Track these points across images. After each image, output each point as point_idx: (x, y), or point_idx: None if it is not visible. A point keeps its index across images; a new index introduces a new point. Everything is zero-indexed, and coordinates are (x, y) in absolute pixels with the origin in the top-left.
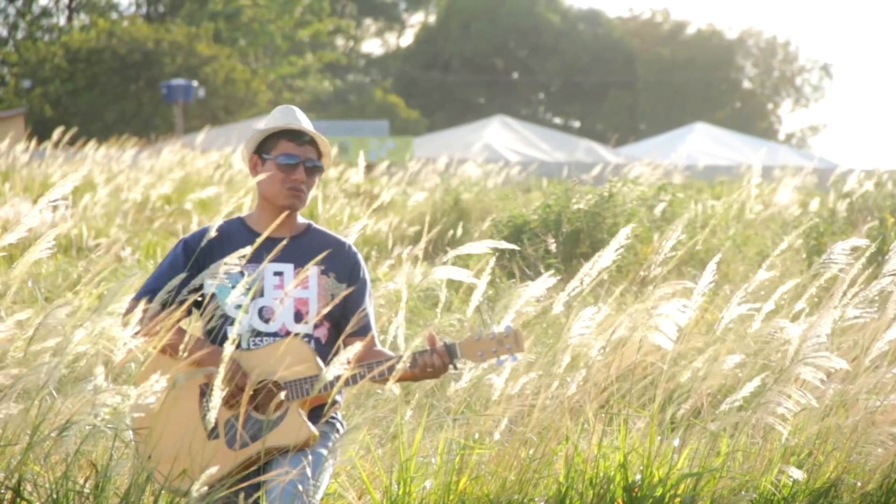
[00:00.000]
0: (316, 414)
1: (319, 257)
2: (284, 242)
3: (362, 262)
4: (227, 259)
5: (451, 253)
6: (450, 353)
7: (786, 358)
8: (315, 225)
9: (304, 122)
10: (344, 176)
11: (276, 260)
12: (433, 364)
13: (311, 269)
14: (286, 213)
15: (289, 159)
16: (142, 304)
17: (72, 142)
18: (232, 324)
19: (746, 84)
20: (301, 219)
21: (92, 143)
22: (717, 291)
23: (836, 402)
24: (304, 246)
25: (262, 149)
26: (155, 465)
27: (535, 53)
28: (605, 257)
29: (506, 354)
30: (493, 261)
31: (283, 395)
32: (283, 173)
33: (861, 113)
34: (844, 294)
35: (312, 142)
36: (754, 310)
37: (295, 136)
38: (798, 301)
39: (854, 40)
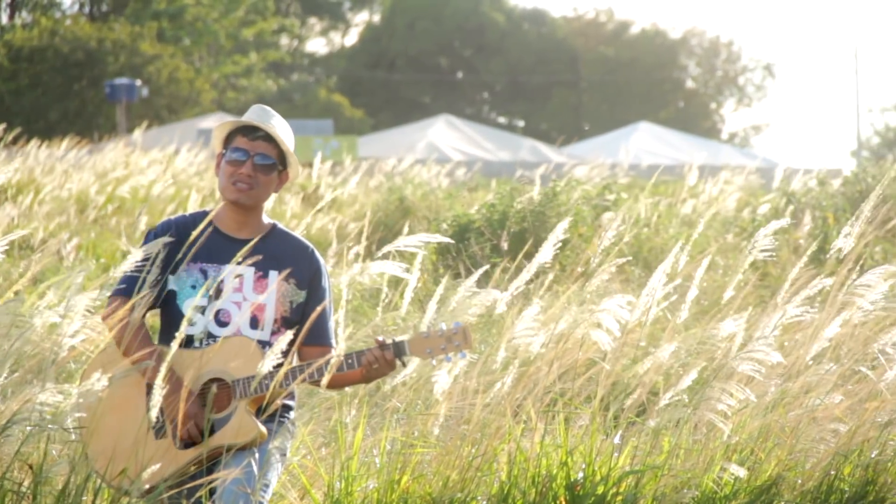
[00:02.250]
0: (266, 413)
1: (285, 273)
2: (250, 246)
3: (324, 269)
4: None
5: (386, 248)
6: (397, 351)
7: (727, 355)
8: (280, 226)
9: (271, 122)
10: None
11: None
12: (379, 361)
13: (271, 274)
14: (251, 211)
15: (235, 153)
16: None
17: (14, 141)
18: (191, 324)
19: (690, 83)
20: (267, 218)
21: (34, 143)
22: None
23: (777, 399)
24: (265, 249)
25: (224, 146)
26: (94, 463)
27: (479, 53)
28: (545, 253)
29: (454, 352)
30: (436, 259)
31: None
32: (231, 167)
33: (803, 112)
34: (787, 292)
35: (271, 140)
36: (703, 310)
37: (248, 131)
38: (726, 290)
39: (796, 39)
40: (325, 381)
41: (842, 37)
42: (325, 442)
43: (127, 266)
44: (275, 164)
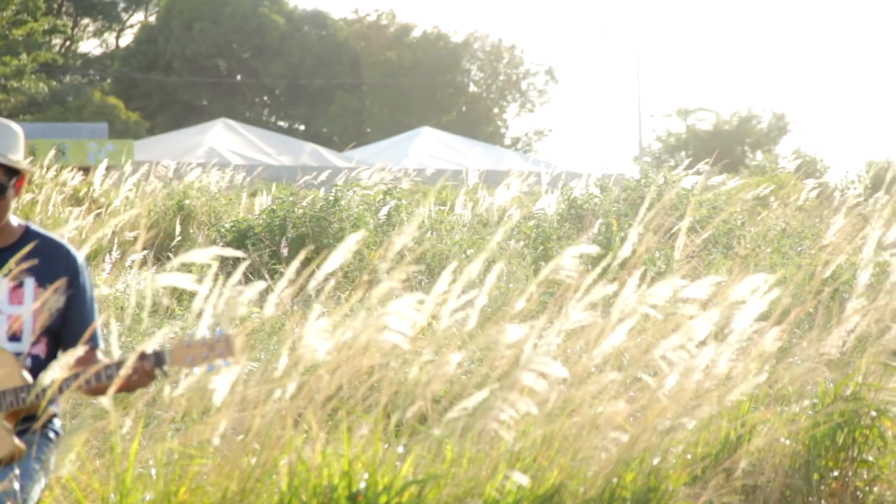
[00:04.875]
0: (29, 425)
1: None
2: None
3: (84, 267)
4: None
5: (176, 260)
6: (157, 360)
7: (511, 363)
8: (33, 227)
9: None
10: (61, 179)
11: None
12: (138, 372)
13: (27, 282)
14: None
15: None
16: None
17: None
18: None
19: (472, 88)
20: (16, 220)
21: None
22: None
23: (560, 406)
24: (17, 255)
25: None
26: None
27: (259, 55)
28: (331, 262)
29: (217, 360)
30: (215, 266)
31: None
32: None
33: (586, 117)
34: (571, 299)
35: None
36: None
37: None
38: (513, 299)
39: (578, 44)
40: (113, 389)
41: (624, 42)
42: (99, 453)
43: None
44: (4, 186)
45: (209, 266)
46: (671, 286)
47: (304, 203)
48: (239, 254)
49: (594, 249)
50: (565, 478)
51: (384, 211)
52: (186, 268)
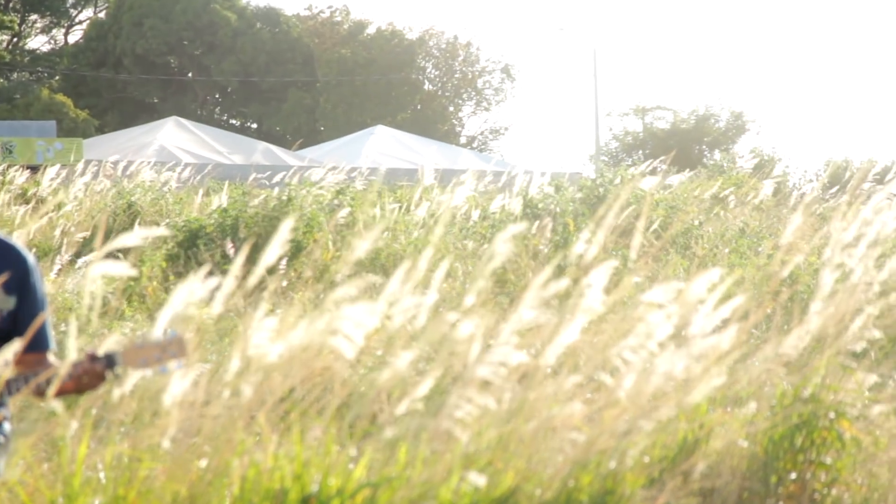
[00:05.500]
0: None
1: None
2: None
3: (34, 268)
4: None
5: (106, 248)
6: (109, 363)
7: (464, 359)
8: None
9: None
10: (8, 178)
11: None
12: (89, 374)
13: None
14: None
15: None
16: None
17: None
18: None
19: (428, 86)
20: None
21: None
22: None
23: (516, 407)
24: None
25: None
26: None
27: (210, 52)
28: (272, 252)
29: (170, 361)
30: (166, 266)
31: None
32: None
33: (542, 116)
34: (526, 297)
35: None
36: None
37: None
38: (469, 295)
39: (535, 42)
40: (48, 396)
41: (581, 40)
42: (46, 456)
43: None
44: None
45: (154, 264)
46: (628, 286)
47: (256, 202)
48: (163, 231)
49: (520, 228)
50: (521, 480)
51: (343, 213)
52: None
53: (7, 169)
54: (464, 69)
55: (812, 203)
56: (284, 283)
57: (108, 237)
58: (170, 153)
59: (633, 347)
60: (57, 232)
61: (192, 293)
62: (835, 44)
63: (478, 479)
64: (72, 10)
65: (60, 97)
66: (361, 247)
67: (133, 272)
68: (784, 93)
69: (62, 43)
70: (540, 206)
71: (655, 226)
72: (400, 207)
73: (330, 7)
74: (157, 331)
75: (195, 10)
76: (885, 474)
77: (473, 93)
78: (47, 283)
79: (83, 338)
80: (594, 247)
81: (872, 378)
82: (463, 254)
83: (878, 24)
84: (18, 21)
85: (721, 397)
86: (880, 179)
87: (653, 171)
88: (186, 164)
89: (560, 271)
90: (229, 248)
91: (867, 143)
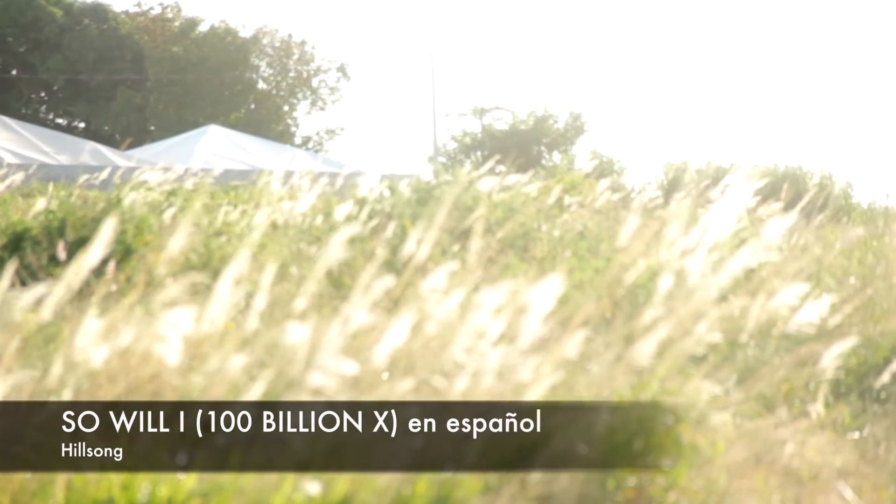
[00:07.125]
0: None
1: None
2: None
3: None
4: None
5: None
6: None
7: (295, 364)
8: None
9: None
10: None
11: None
12: None
13: None
14: None
15: None
16: None
17: None
18: None
19: (262, 85)
20: None
21: None
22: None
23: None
24: None
25: None
26: None
27: (35, 49)
28: (93, 255)
29: None
30: None
31: None
32: None
33: (379, 116)
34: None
35: None
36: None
37: None
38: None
39: (371, 41)
40: None
41: (418, 39)
42: None
43: None
44: None
45: None
46: (463, 287)
47: (83, 204)
48: None
49: (354, 230)
50: (355, 487)
51: (169, 214)
52: None
53: None
54: (298, 68)
55: (649, 205)
56: (114, 287)
57: None
58: None
59: (466, 349)
60: None
61: (17, 298)
62: (673, 45)
63: (311, 487)
64: None
65: None
66: (175, 243)
67: None
68: (623, 94)
69: None
70: (376, 207)
71: (495, 228)
72: (235, 208)
73: (161, 4)
74: None
75: (19, 5)
76: (723, 479)
77: (309, 92)
78: None
79: None
80: (425, 246)
81: (711, 382)
82: (299, 257)
83: (709, 25)
84: None
85: (560, 401)
86: (716, 181)
87: (492, 172)
88: (10, 165)
89: (395, 272)
90: (61, 250)
91: (704, 145)
